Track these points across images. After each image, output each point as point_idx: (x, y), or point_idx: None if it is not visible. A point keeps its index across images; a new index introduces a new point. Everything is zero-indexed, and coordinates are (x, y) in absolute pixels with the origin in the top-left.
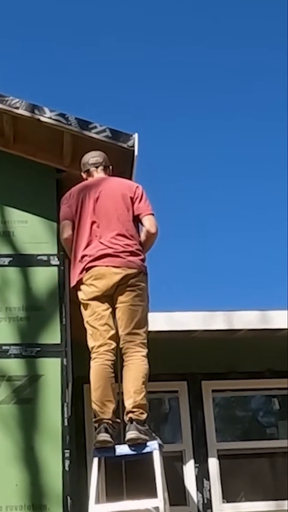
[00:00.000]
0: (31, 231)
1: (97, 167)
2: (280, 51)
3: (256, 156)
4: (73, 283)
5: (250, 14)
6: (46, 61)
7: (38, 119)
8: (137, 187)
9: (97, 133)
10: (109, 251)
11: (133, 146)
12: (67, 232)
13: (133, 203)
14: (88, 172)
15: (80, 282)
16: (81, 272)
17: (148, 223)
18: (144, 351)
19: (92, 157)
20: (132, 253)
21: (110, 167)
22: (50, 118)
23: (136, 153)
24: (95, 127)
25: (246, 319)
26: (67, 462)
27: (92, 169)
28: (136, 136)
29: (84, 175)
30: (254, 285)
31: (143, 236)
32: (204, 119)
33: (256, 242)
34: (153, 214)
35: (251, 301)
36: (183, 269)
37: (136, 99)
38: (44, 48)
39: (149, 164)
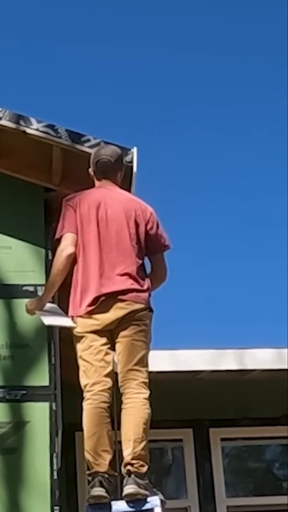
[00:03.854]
0: (16, 258)
1: (105, 173)
2: (282, 59)
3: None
4: (71, 312)
5: (256, 24)
6: (36, 67)
7: (24, 131)
8: (152, 215)
9: (90, 147)
10: (116, 287)
11: (131, 162)
12: (71, 248)
13: (146, 234)
14: (94, 174)
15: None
16: (80, 304)
17: (159, 265)
18: (146, 393)
19: (103, 160)
20: (140, 290)
21: (123, 169)
22: (37, 130)
23: (135, 169)
24: (88, 140)
25: (260, 358)
26: None
27: (99, 175)
28: (134, 150)
29: (91, 173)
30: (269, 319)
31: (152, 277)
32: (206, 132)
33: (269, 271)
34: (166, 250)
35: (265, 338)
36: (188, 302)
37: (134, 110)
38: (35, 52)
39: (148, 179)
